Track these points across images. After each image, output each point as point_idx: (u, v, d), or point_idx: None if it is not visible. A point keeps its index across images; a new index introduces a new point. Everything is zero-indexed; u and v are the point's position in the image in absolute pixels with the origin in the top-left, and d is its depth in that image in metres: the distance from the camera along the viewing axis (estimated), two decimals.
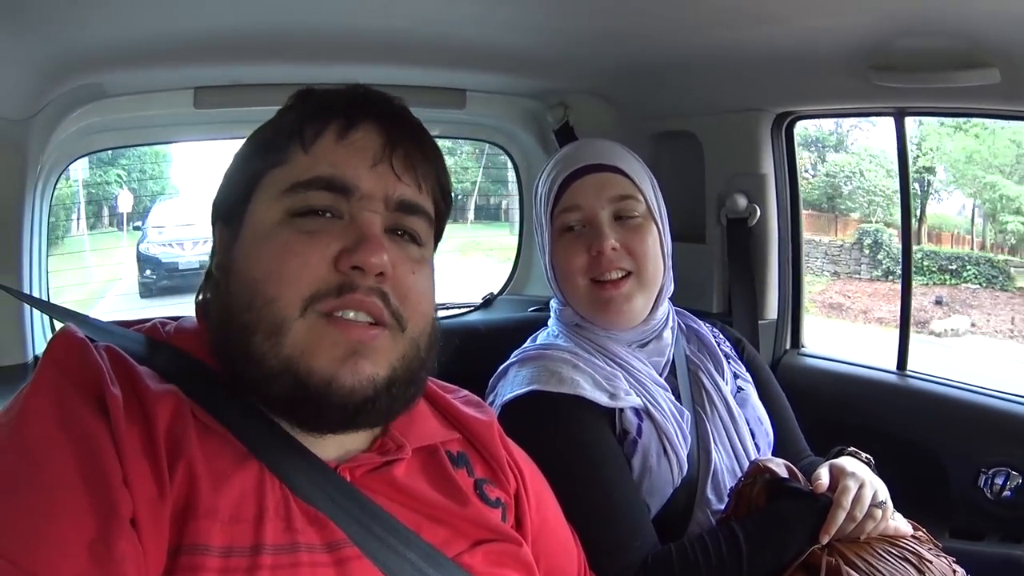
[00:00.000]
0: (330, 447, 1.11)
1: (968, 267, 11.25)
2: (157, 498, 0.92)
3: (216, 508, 0.96)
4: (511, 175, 3.21)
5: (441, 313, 2.80)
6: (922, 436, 2.23)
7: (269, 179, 1.11)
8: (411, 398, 1.16)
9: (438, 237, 1.26)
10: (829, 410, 2.39)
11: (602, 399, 1.65)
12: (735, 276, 2.59)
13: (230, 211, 1.15)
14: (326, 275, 1.05)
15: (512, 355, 1.82)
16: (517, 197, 3.22)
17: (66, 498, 0.87)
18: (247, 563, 0.94)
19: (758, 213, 2.53)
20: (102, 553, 0.85)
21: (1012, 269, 11.17)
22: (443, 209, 1.24)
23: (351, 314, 1.06)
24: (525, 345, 1.86)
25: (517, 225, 3.29)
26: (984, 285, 11.18)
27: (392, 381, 1.09)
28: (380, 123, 1.14)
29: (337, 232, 1.07)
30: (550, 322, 1.91)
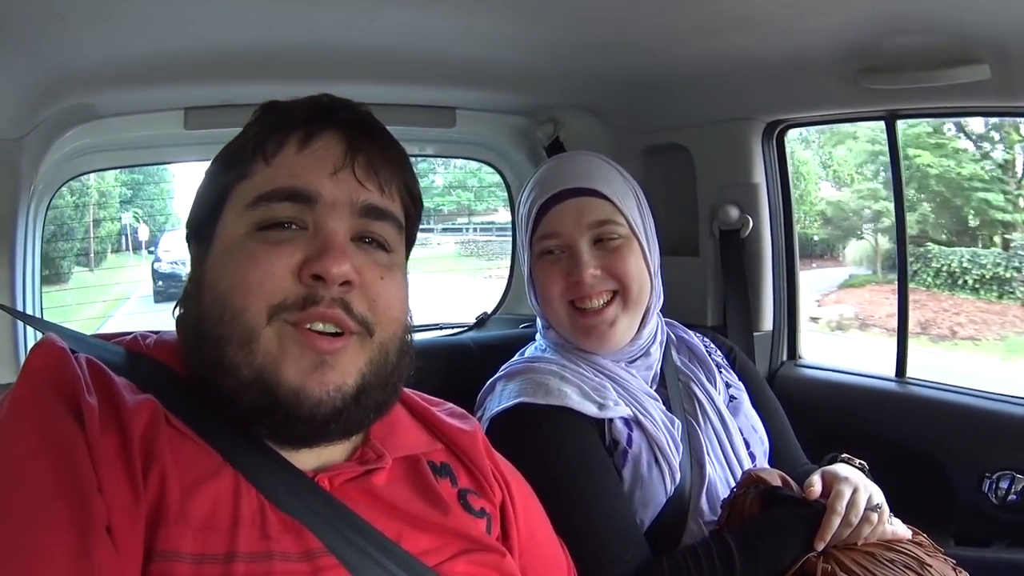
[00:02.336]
0: (308, 458, 1.11)
1: None
2: (131, 505, 0.92)
3: (188, 515, 0.96)
4: None
5: (434, 333, 2.81)
6: (924, 443, 2.20)
7: (235, 193, 1.13)
8: (383, 405, 1.16)
9: (410, 243, 1.26)
10: (829, 420, 2.36)
11: (591, 410, 1.63)
12: (729, 288, 2.56)
13: (201, 227, 1.16)
14: (290, 285, 1.06)
15: (500, 369, 1.80)
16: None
17: (45, 507, 0.87)
18: (220, 571, 0.94)
19: (751, 224, 2.50)
20: (81, 562, 0.85)
21: None
22: (413, 214, 1.24)
23: (319, 325, 1.06)
24: (512, 359, 1.84)
25: None
26: None
27: (361, 389, 1.09)
28: (341, 130, 1.15)
29: (301, 242, 1.08)
30: (537, 336, 1.89)
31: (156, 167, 9.10)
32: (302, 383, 1.04)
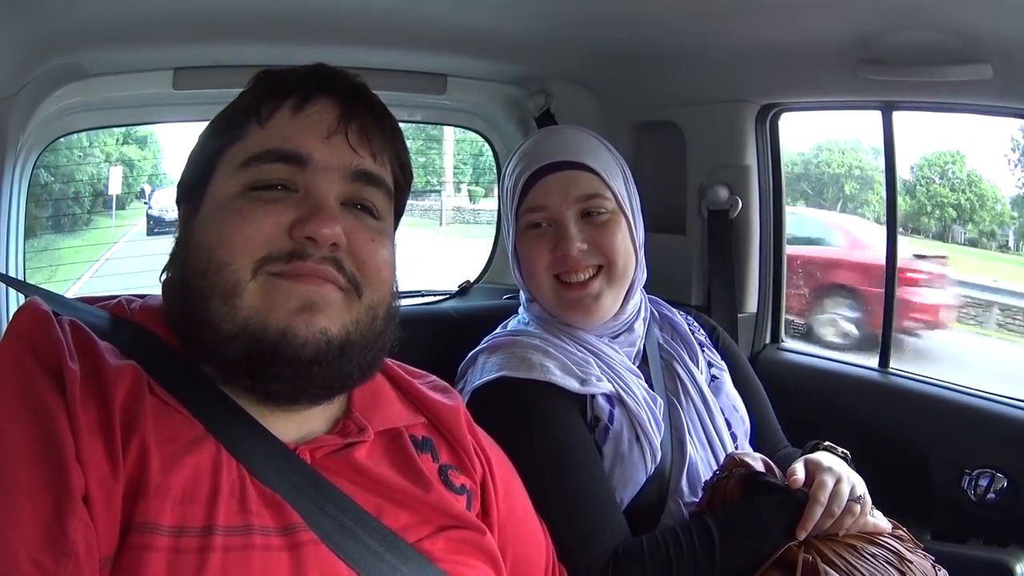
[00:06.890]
0: (290, 427, 1.11)
1: None
2: (110, 476, 0.92)
3: (168, 487, 0.95)
4: None
5: (416, 300, 2.79)
6: (905, 435, 2.20)
7: (227, 155, 1.13)
8: (367, 367, 1.16)
9: (399, 213, 1.26)
10: (809, 406, 2.34)
11: (573, 385, 1.62)
12: (715, 268, 2.56)
13: (191, 189, 1.16)
14: (278, 241, 1.06)
15: (482, 342, 1.78)
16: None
17: (21, 475, 0.86)
18: (198, 543, 0.93)
19: (740, 205, 2.49)
20: (55, 532, 0.84)
21: None
22: (403, 184, 1.25)
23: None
24: (495, 332, 1.82)
25: None
26: None
27: (346, 343, 1.09)
28: (336, 97, 1.16)
29: (292, 203, 1.09)
30: (520, 309, 1.87)
31: (151, 144, 11.35)
32: (288, 323, 1.03)
